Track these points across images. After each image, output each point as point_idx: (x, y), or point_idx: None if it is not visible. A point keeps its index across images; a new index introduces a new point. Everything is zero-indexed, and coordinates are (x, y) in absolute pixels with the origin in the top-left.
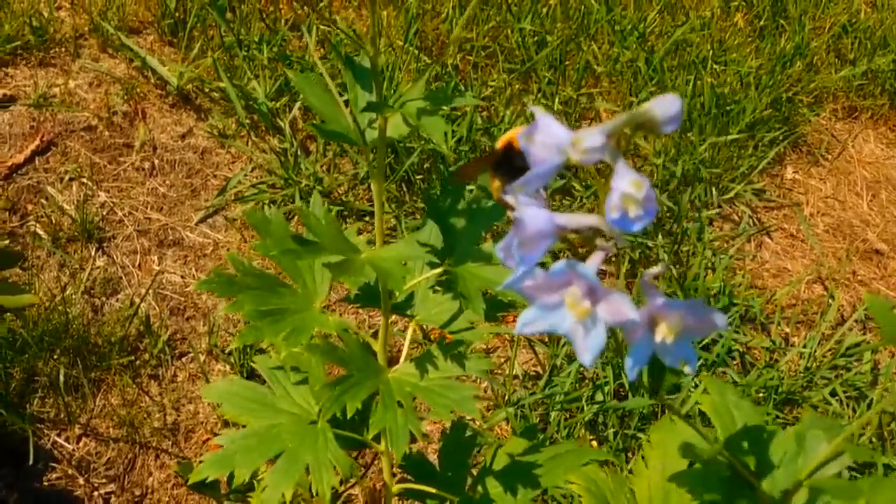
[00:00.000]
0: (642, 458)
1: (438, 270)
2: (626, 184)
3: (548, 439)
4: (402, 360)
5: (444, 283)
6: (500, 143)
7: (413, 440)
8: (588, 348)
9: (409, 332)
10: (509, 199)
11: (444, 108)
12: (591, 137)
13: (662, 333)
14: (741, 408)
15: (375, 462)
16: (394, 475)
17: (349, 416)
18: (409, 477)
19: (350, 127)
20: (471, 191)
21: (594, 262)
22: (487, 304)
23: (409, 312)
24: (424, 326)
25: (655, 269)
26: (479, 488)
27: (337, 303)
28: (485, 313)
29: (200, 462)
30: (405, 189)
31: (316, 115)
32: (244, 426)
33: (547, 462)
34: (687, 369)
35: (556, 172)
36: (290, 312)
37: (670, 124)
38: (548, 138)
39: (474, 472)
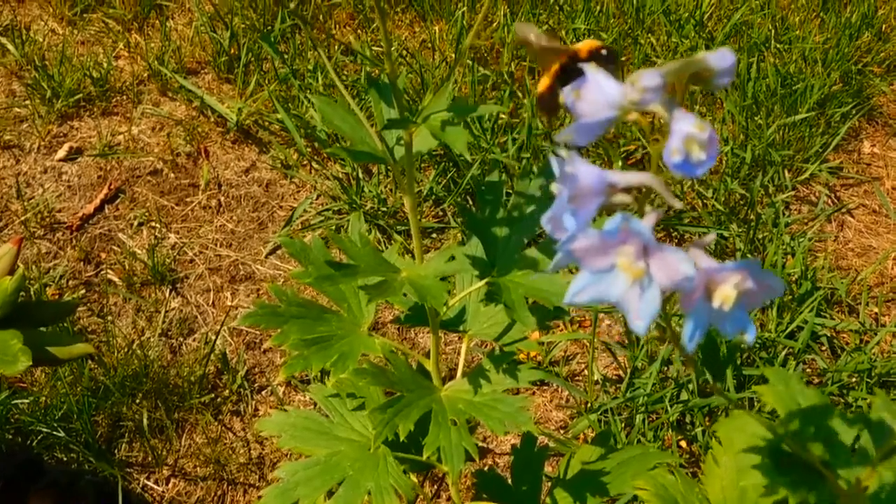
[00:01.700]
0: (712, 457)
1: (482, 283)
2: (689, 125)
3: (617, 445)
4: (458, 375)
5: (489, 295)
6: (583, 47)
7: (469, 458)
8: (641, 314)
9: (464, 347)
10: (560, 153)
11: (467, 117)
12: (650, 76)
13: (720, 299)
14: (807, 396)
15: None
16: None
17: (402, 438)
18: (485, 494)
19: (378, 147)
20: (508, 195)
21: (650, 220)
22: (535, 312)
23: (461, 328)
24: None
25: (707, 238)
26: (548, 500)
27: (390, 323)
28: (536, 322)
29: (260, 497)
30: (470, 202)
31: (344, 138)
32: (304, 456)
33: (615, 468)
34: (747, 338)
35: (605, 128)
36: (336, 338)
37: (724, 76)
38: (598, 94)
39: (549, 484)
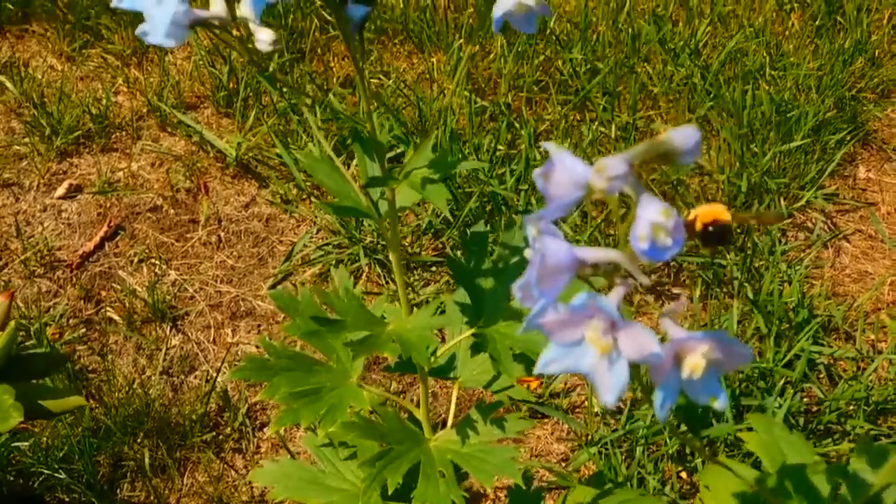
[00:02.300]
0: (700, 501)
1: (468, 334)
2: (654, 213)
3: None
4: (448, 424)
5: (475, 347)
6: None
7: None
8: (610, 387)
9: (454, 395)
10: (528, 231)
11: (447, 173)
12: (615, 165)
13: (690, 368)
14: (792, 443)
15: None
16: None
17: (390, 491)
18: None
19: (363, 202)
20: (494, 246)
21: (616, 295)
22: (522, 360)
23: (451, 375)
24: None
25: (675, 305)
26: None
27: (379, 371)
28: (524, 370)
29: None
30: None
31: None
32: None
33: None
34: (717, 405)
35: (573, 207)
36: (326, 390)
37: (689, 155)
38: (565, 174)
39: None
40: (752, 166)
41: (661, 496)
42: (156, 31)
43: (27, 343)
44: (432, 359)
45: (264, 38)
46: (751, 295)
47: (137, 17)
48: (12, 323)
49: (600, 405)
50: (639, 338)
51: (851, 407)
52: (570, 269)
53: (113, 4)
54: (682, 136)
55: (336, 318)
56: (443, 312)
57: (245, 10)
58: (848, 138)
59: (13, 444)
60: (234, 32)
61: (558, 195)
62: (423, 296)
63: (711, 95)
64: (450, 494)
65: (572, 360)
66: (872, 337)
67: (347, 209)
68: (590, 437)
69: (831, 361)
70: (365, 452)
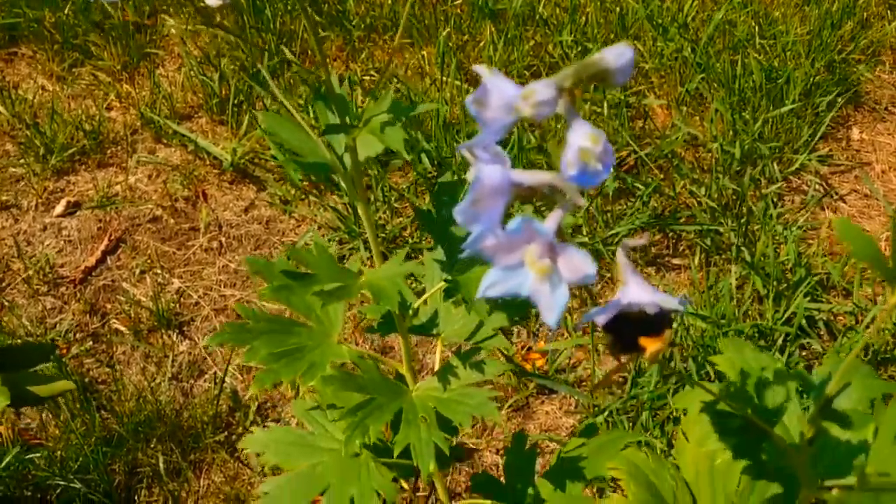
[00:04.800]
0: (682, 432)
1: (442, 283)
2: (582, 138)
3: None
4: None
5: (448, 292)
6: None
7: (441, 453)
8: (552, 308)
9: (438, 349)
10: (466, 154)
11: (404, 118)
12: (543, 90)
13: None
14: (760, 360)
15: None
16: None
17: (373, 439)
18: (479, 495)
19: (327, 156)
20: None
21: (553, 219)
22: (504, 308)
23: (434, 332)
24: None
25: (634, 242)
26: (530, 490)
27: (361, 333)
28: (505, 318)
29: None
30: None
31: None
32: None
33: (592, 454)
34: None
35: (507, 131)
36: (307, 349)
37: (622, 75)
38: (498, 99)
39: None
40: (745, 133)
41: (667, 456)
42: None
43: None
44: (411, 312)
45: None
46: (748, 258)
47: (125, 32)
48: None
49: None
50: (574, 260)
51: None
52: (507, 192)
53: None
54: (615, 54)
55: (307, 272)
56: (411, 259)
57: None
58: (839, 100)
59: (26, 458)
60: None
61: (491, 119)
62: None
63: (702, 68)
64: (431, 438)
65: (513, 283)
66: (870, 291)
67: (313, 165)
68: (597, 408)
69: (831, 318)
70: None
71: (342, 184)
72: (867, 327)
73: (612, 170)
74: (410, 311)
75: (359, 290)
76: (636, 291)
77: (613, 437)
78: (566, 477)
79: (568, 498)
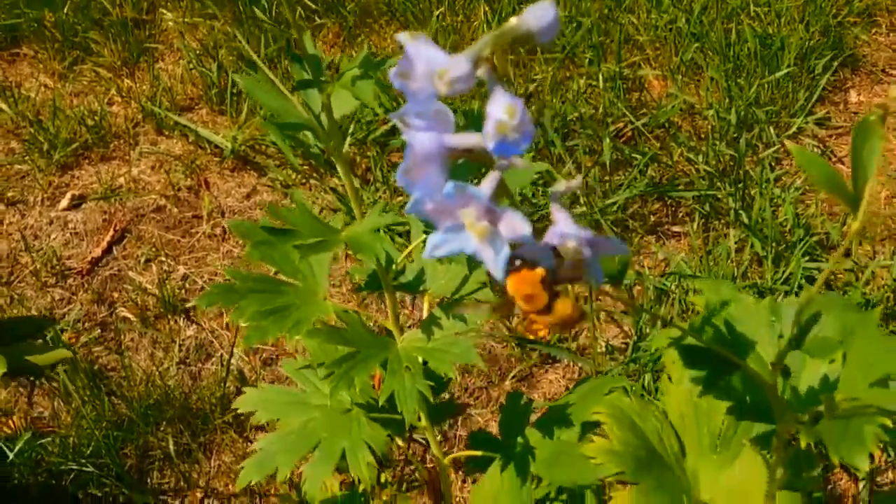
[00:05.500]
0: (667, 374)
1: (422, 236)
2: (499, 110)
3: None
4: None
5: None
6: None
7: (432, 407)
8: (495, 264)
9: (425, 305)
10: (398, 122)
11: (375, 72)
12: (457, 66)
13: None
14: (739, 298)
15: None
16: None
17: (357, 388)
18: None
19: (304, 116)
20: None
21: (489, 182)
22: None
23: (421, 289)
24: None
25: (567, 184)
26: (520, 439)
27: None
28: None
29: (242, 468)
30: None
31: (272, 113)
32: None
33: (578, 401)
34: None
35: (433, 100)
36: (294, 307)
37: (546, 34)
38: (424, 67)
39: None
40: (741, 99)
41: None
42: None
43: None
44: (395, 267)
45: None
46: (746, 220)
47: (124, 28)
48: None
49: (602, 344)
50: (510, 221)
51: None
52: (441, 157)
53: None
54: (536, 16)
55: (287, 227)
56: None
57: None
58: (835, 64)
59: (38, 444)
60: None
61: (418, 89)
62: None
63: (697, 37)
64: (415, 385)
65: (458, 243)
66: (869, 248)
67: (289, 125)
68: (599, 374)
69: (830, 276)
70: None
71: (320, 144)
72: (867, 283)
73: (531, 139)
74: (395, 267)
75: (339, 244)
76: (565, 224)
77: (598, 383)
78: (554, 424)
79: (555, 443)
